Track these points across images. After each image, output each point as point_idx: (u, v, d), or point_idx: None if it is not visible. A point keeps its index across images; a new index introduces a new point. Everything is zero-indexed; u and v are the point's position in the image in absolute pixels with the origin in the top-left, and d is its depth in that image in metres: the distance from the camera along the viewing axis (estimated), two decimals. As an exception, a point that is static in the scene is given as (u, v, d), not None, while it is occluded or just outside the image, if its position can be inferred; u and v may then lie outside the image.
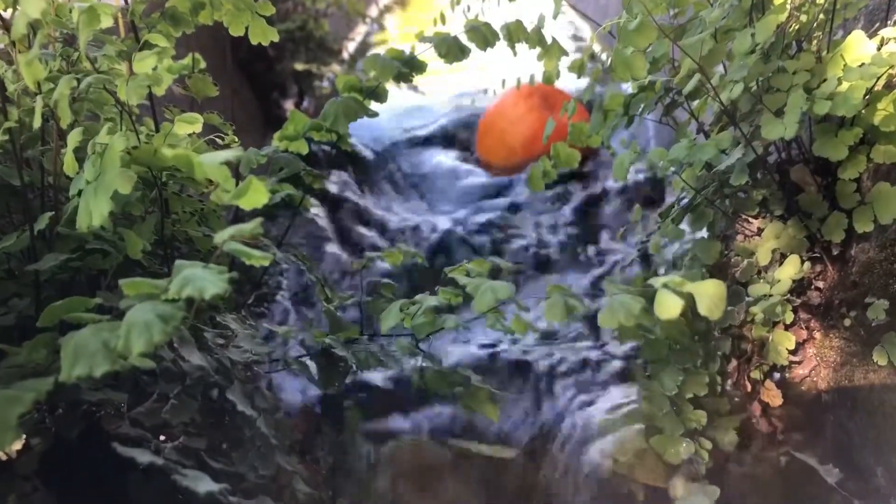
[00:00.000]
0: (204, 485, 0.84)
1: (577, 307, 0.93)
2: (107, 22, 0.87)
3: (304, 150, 1.55)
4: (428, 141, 3.29)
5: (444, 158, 3.15)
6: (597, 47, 3.80)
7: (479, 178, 2.97)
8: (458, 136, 3.33)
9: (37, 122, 0.91)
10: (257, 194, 0.69)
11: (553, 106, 3.00)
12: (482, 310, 0.90)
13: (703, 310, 0.77)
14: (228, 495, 0.87)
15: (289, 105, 3.53)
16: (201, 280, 0.67)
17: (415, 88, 3.38)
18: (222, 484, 0.86)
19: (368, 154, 3.18)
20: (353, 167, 3.04)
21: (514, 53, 1.55)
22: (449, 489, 1.43)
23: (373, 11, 5.97)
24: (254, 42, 1.42)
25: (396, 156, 3.21)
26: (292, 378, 1.53)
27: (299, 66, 3.42)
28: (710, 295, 0.78)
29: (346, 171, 2.97)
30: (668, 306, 0.79)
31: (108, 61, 1.09)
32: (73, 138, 0.91)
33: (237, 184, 0.83)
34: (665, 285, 0.81)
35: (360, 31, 5.78)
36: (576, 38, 5.41)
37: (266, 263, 0.74)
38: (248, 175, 1.39)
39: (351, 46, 4.97)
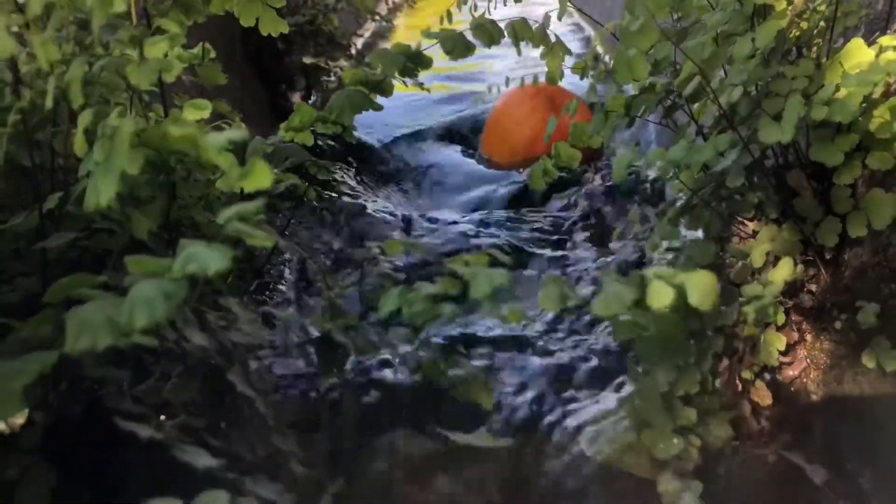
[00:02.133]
0: (203, 460, 0.86)
1: (571, 297, 0.95)
2: (120, 6, 0.89)
3: (310, 142, 1.58)
4: (433, 137, 3.32)
5: (449, 155, 3.17)
6: (601, 50, 3.82)
7: (483, 175, 2.99)
8: (462, 133, 3.35)
9: (49, 103, 0.94)
10: (262, 175, 0.71)
11: (559, 107, 3.02)
12: (478, 296, 0.92)
13: (693, 300, 0.79)
14: (226, 472, 0.90)
15: (296, 98, 3.56)
16: (205, 256, 0.69)
17: (420, 85, 3.40)
18: (221, 460, 0.88)
19: (373, 149, 3.21)
20: (358, 161, 3.06)
21: (519, 52, 1.57)
22: (441, 477, 1.46)
23: (382, 9, 6.00)
24: (264, 33, 1.45)
25: (401, 151, 3.23)
26: (291, 361, 1.55)
27: (308, 60, 3.45)
28: (700, 285, 0.80)
29: (351, 165, 3.00)
30: (661, 295, 0.81)
31: (120, 46, 1.12)
32: (85, 118, 0.93)
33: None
34: (658, 276, 0.83)
35: (369, 27, 5.81)
36: (581, 40, 5.43)
37: (269, 245, 0.76)
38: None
39: (359, 42, 4.99)
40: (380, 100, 1.61)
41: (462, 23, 1.64)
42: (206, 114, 1.24)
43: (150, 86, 1.13)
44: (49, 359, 0.85)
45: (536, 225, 2.53)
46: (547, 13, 1.64)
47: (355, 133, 1.59)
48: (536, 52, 1.69)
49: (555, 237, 2.45)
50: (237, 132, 0.69)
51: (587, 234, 2.45)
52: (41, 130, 1.17)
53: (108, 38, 1.11)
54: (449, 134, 3.36)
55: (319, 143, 1.67)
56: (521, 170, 2.98)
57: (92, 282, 0.89)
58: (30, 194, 1.22)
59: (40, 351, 0.87)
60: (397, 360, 1.45)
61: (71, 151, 1.04)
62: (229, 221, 0.73)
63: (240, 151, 1.66)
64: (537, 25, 1.61)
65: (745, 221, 1.53)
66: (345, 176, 2.86)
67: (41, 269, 1.12)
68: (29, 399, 1.02)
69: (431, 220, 2.54)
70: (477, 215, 2.64)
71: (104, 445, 1.07)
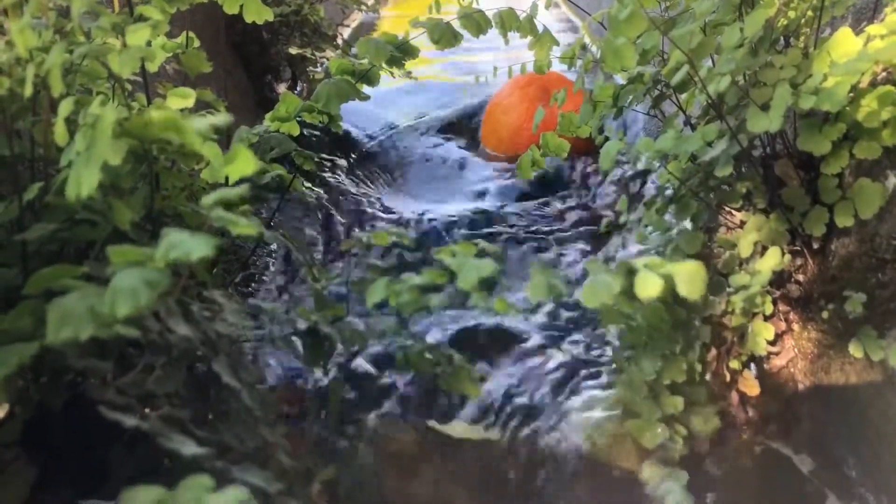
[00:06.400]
0: (189, 448, 0.85)
1: (560, 288, 0.95)
2: (101, -8, 0.88)
3: (296, 132, 1.56)
4: (430, 128, 3.30)
5: (446, 146, 3.15)
6: (588, 40, 3.81)
7: (477, 165, 2.98)
8: (459, 123, 3.34)
9: (27, 91, 0.92)
10: (245, 162, 0.70)
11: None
12: (466, 287, 0.92)
13: (682, 289, 0.79)
14: (213, 461, 0.88)
15: (282, 89, 3.53)
16: (188, 243, 0.68)
17: (408, 74, 3.37)
18: (207, 448, 0.87)
19: (364, 140, 3.18)
20: (347, 153, 3.04)
21: (506, 41, 1.56)
22: (428, 468, 1.45)
23: None
24: (248, 21, 1.43)
25: (396, 143, 3.20)
26: (277, 353, 1.54)
27: (293, 51, 3.41)
28: (689, 275, 0.79)
29: (340, 157, 2.97)
30: (649, 285, 0.81)
31: (101, 34, 1.10)
32: (65, 107, 0.91)
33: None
34: (646, 265, 0.82)
35: (356, 17, 5.78)
36: (569, 30, 5.43)
37: (253, 233, 0.75)
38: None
39: (346, 33, 4.97)
40: (374, 90, 1.60)
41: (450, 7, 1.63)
42: (189, 102, 1.22)
43: (133, 74, 1.11)
44: (29, 350, 0.83)
45: (529, 214, 2.52)
46: (534, 2, 1.63)
47: (347, 125, 1.59)
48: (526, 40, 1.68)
49: (547, 227, 2.44)
50: (221, 117, 0.68)
51: (581, 223, 2.45)
52: (21, 119, 1.15)
53: (89, 25, 1.09)
54: (446, 124, 3.34)
55: (307, 133, 1.65)
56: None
57: (73, 272, 0.87)
58: (9, 185, 1.20)
59: (20, 343, 0.85)
60: (384, 350, 1.45)
61: (51, 141, 1.02)
62: (212, 208, 0.72)
63: (224, 140, 1.65)
64: (524, 15, 1.61)
65: (733, 211, 1.53)
66: (333, 166, 2.84)
67: (21, 261, 1.10)
68: (9, 392, 1.00)
69: (422, 212, 2.53)
70: (470, 205, 2.63)
71: (87, 439, 1.05)
